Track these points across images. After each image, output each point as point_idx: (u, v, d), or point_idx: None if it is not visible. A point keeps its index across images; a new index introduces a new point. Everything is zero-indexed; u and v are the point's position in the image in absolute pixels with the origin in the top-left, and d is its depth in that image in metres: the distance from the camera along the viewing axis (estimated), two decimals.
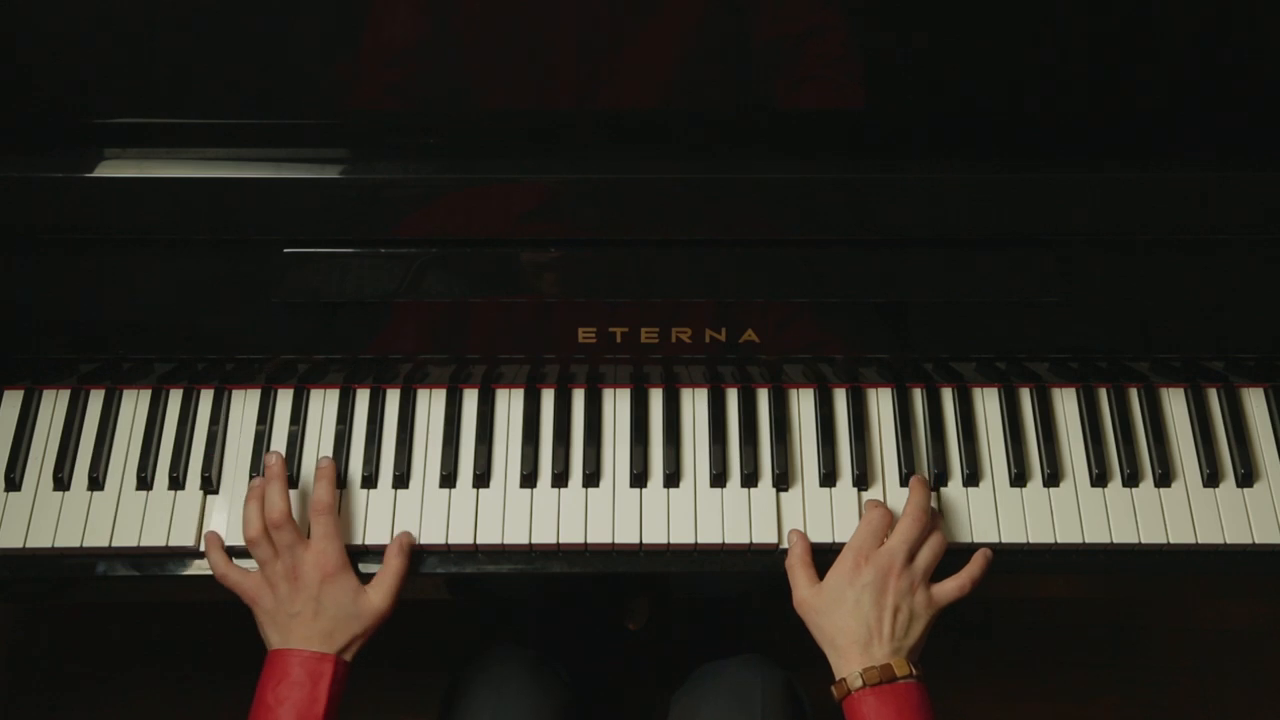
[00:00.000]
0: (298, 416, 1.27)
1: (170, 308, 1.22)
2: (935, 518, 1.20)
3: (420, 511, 1.22)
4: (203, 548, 1.21)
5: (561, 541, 1.21)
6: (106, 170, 1.15)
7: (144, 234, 1.18)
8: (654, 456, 1.25)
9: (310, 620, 1.13)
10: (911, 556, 1.14)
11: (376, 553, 1.21)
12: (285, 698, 1.09)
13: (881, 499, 1.22)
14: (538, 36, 1.14)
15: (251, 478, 1.23)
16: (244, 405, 1.28)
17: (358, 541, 1.21)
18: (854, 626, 1.10)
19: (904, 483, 1.23)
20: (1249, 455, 1.26)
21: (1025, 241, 1.19)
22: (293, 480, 1.24)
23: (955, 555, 1.18)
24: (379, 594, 1.16)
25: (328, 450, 1.25)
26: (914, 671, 1.09)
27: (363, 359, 1.25)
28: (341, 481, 1.24)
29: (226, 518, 1.22)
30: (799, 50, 1.16)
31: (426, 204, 1.17)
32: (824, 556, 1.18)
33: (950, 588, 1.15)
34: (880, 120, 1.19)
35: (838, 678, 1.11)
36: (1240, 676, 1.91)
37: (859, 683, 1.08)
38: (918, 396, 1.29)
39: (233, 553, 1.20)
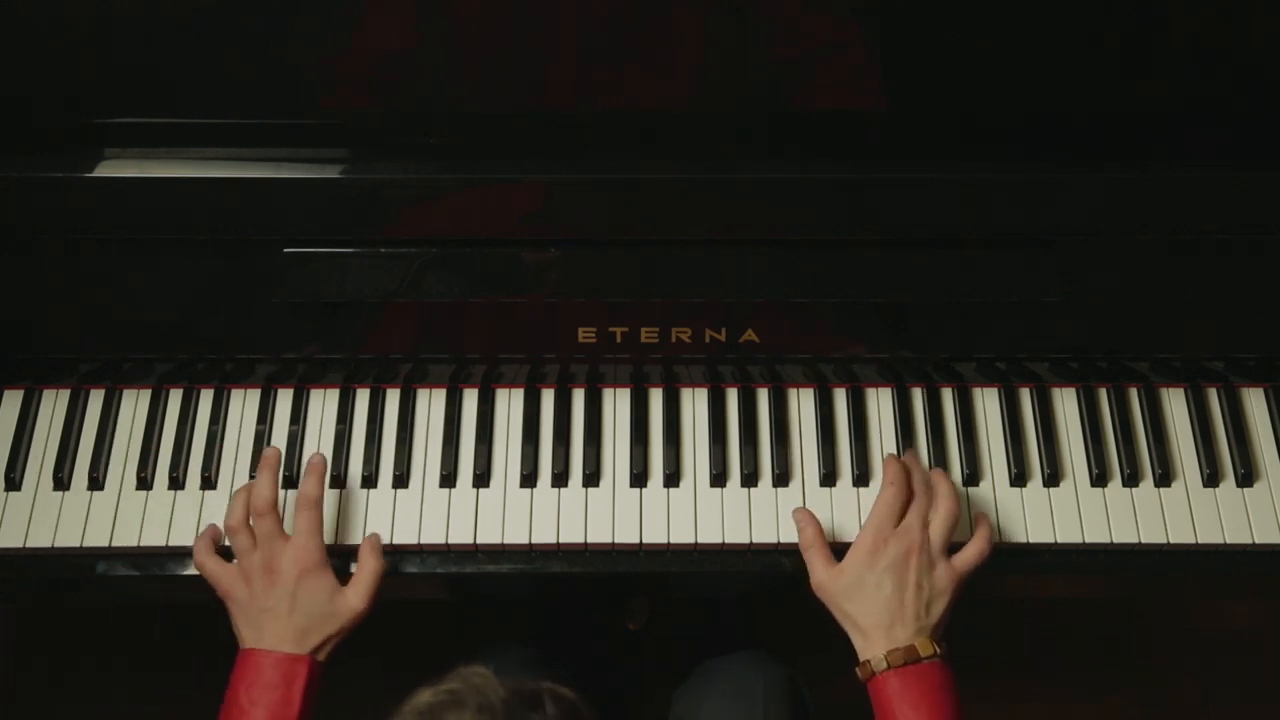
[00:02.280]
0: (298, 416, 1.27)
1: (170, 307, 1.22)
2: (942, 480, 1.18)
3: (420, 511, 1.22)
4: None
5: (561, 541, 1.21)
6: (106, 170, 1.15)
7: (144, 234, 1.18)
8: (654, 456, 1.25)
9: (285, 617, 1.11)
10: (926, 530, 1.13)
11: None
12: (259, 700, 1.08)
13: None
14: (538, 37, 1.14)
15: (252, 478, 1.23)
16: (244, 405, 1.28)
17: (357, 541, 1.20)
18: (876, 609, 1.10)
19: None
20: (1249, 455, 1.26)
21: (1025, 241, 1.19)
22: (291, 480, 1.24)
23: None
24: (356, 594, 1.14)
25: (328, 450, 1.25)
26: (938, 650, 1.09)
27: (363, 359, 1.25)
28: (341, 481, 1.24)
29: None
30: (799, 51, 1.16)
31: (426, 204, 1.17)
32: None
33: (969, 556, 1.14)
34: (880, 121, 1.19)
35: (861, 659, 1.11)
36: (1240, 676, 1.91)
37: (883, 665, 1.08)
38: (918, 396, 1.29)
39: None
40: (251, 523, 1.15)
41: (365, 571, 1.15)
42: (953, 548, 1.14)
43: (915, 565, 1.11)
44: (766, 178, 1.16)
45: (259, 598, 1.12)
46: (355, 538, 1.21)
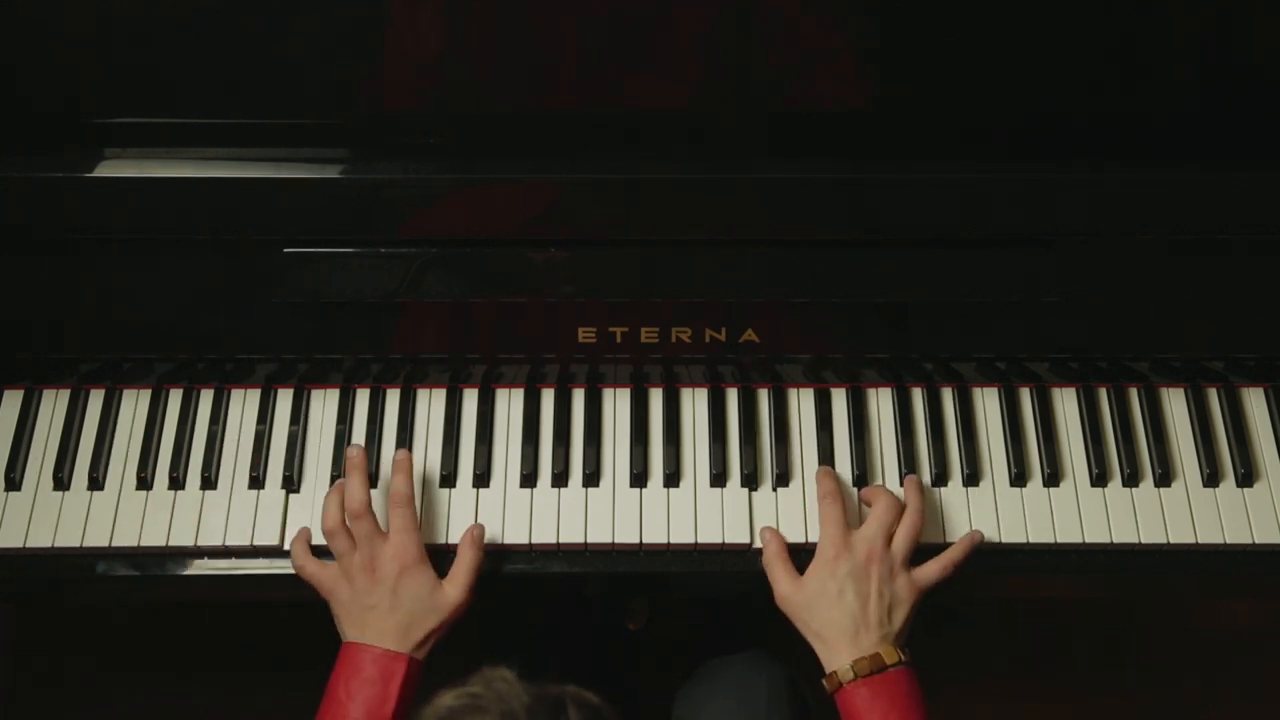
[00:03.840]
0: (298, 416, 1.27)
1: (170, 307, 1.22)
2: (914, 492, 1.20)
3: (420, 511, 1.22)
4: (198, 543, 1.20)
5: (561, 541, 1.21)
6: (106, 170, 1.15)
7: (144, 234, 1.18)
8: (654, 456, 1.25)
9: (387, 613, 1.12)
10: (889, 541, 1.14)
11: None
12: (357, 693, 1.09)
13: None
14: (537, 37, 1.14)
15: (252, 478, 1.23)
16: (244, 405, 1.28)
17: None
18: (840, 618, 1.11)
19: (904, 482, 1.23)
20: (1249, 455, 1.26)
21: (1025, 241, 1.19)
22: (292, 481, 1.24)
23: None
24: (455, 587, 1.15)
25: (329, 450, 1.25)
26: (902, 657, 1.10)
27: (363, 359, 1.25)
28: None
29: (225, 517, 1.22)
30: (799, 51, 1.16)
31: (426, 204, 1.17)
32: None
33: (932, 570, 1.15)
34: (881, 121, 1.19)
35: (828, 670, 1.11)
36: (1240, 676, 1.91)
37: (850, 675, 1.08)
38: (918, 396, 1.29)
39: (232, 552, 1.21)
40: (348, 524, 1.15)
41: (464, 563, 1.16)
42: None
43: (876, 574, 1.12)
44: (766, 178, 1.16)
45: (362, 596, 1.13)
46: None
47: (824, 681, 1.11)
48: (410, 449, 1.25)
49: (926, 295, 1.21)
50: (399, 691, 1.09)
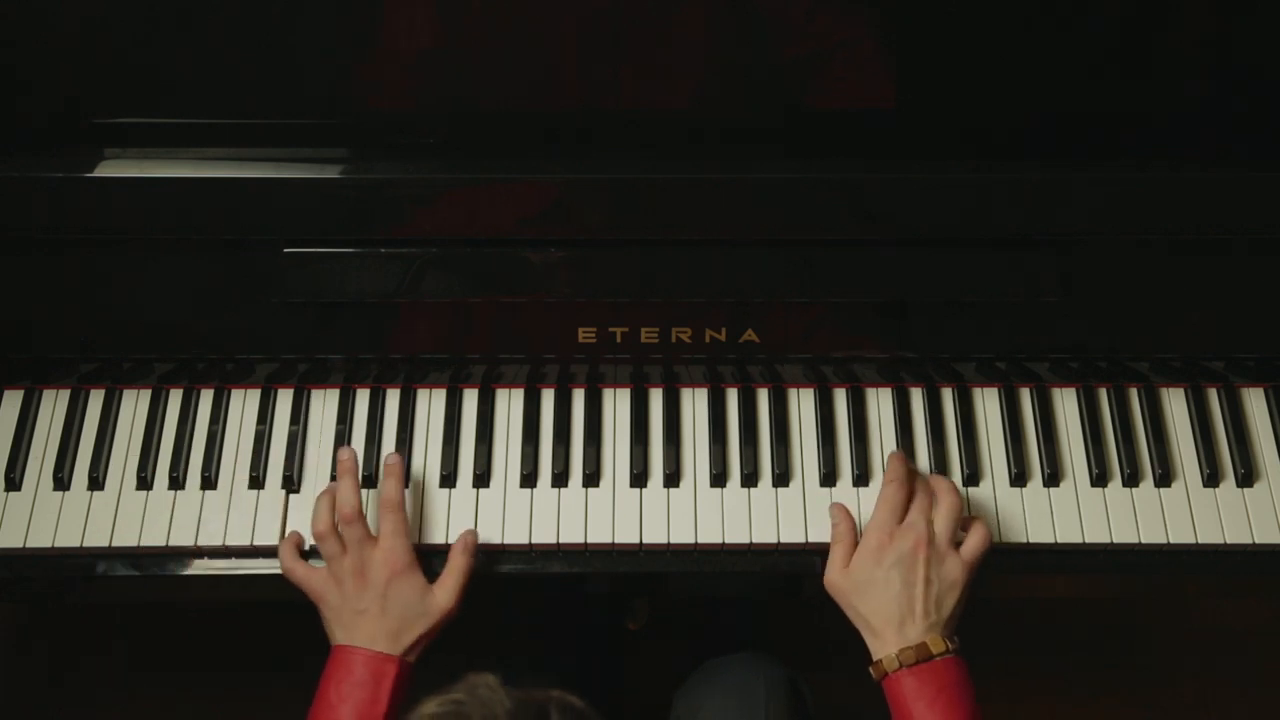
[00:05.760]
0: (298, 416, 1.27)
1: (170, 307, 1.22)
2: (942, 478, 1.20)
3: (420, 511, 1.22)
4: (198, 543, 1.20)
5: (561, 541, 1.21)
6: (106, 170, 1.15)
7: (144, 234, 1.18)
8: (654, 456, 1.25)
9: (377, 618, 1.12)
10: (931, 525, 1.13)
11: None
12: (348, 696, 1.09)
13: None
14: (538, 36, 1.14)
15: (251, 478, 1.23)
16: (244, 405, 1.28)
17: None
18: (887, 606, 1.10)
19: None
20: (1249, 455, 1.26)
21: (1025, 241, 1.19)
22: (292, 481, 1.24)
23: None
24: (445, 593, 1.15)
25: (329, 450, 1.25)
26: (950, 646, 1.09)
27: (363, 359, 1.25)
28: None
29: (225, 517, 1.22)
30: (800, 52, 1.16)
31: (426, 204, 1.17)
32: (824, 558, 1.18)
33: (974, 544, 1.14)
34: (881, 121, 1.19)
35: (874, 658, 1.11)
36: (1240, 676, 1.91)
37: (896, 664, 1.08)
38: (918, 396, 1.29)
39: (232, 552, 1.21)
40: (339, 528, 1.15)
41: (454, 570, 1.16)
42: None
43: (923, 560, 1.11)
44: (766, 178, 1.16)
45: (351, 600, 1.13)
46: None
47: (870, 669, 1.11)
48: (410, 449, 1.25)
49: (927, 295, 1.21)
50: (390, 693, 1.09)
